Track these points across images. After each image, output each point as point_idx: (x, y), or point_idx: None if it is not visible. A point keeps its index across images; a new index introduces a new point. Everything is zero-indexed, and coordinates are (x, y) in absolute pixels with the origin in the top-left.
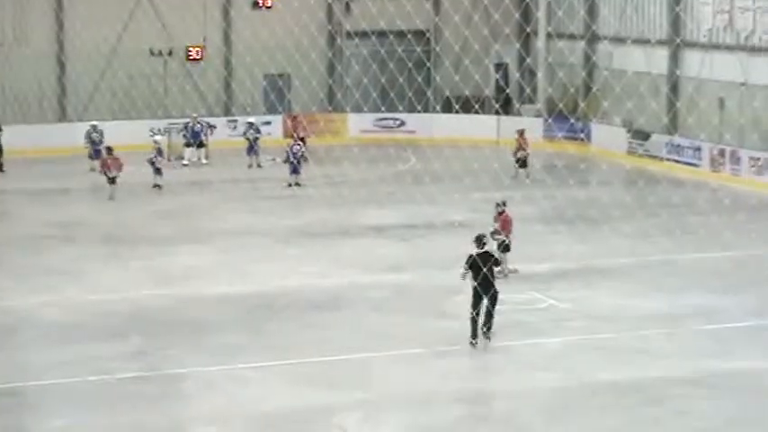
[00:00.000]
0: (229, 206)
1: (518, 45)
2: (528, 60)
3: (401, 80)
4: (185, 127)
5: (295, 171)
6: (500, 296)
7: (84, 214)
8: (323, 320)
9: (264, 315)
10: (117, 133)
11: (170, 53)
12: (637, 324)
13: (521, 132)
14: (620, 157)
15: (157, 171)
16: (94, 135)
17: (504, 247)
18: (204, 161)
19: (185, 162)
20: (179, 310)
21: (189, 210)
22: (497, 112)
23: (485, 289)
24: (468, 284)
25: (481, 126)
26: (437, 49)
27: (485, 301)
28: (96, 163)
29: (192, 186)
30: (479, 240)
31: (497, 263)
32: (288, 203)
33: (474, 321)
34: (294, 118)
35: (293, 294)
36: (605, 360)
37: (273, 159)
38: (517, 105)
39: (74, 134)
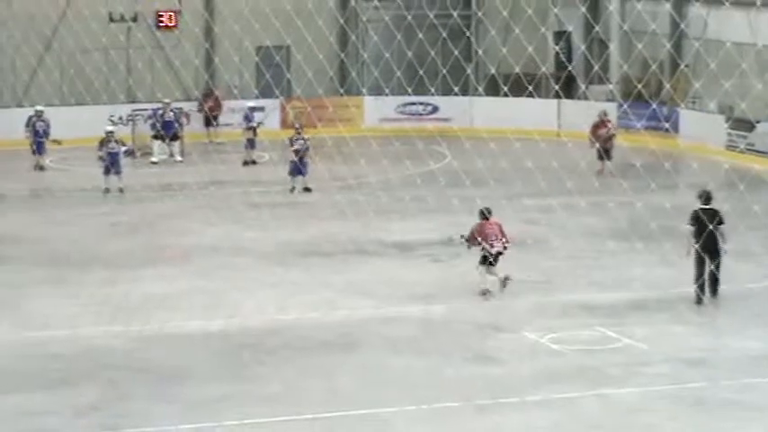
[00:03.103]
0: (209, 216)
1: (584, 8)
2: (597, 28)
3: (433, 54)
4: (154, 114)
5: (299, 172)
6: (558, 334)
7: (22, 227)
8: (330, 365)
9: (253, 358)
10: (66, 122)
11: (135, 19)
12: (737, 370)
13: (604, 114)
14: (717, 153)
15: (115, 171)
16: (40, 124)
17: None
18: (179, 158)
19: (154, 159)
20: (143, 351)
21: (156, 221)
22: (557, 95)
23: (709, 249)
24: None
25: (536, 113)
26: (480, 13)
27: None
28: (40, 158)
29: (161, 191)
30: (705, 196)
31: (722, 221)
32: (286, 213)
33: (699, 298)
34: (208, 97)
35: (291, 331)
36: (696, 417)
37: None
38: (583, 86)
39: (10, 123)
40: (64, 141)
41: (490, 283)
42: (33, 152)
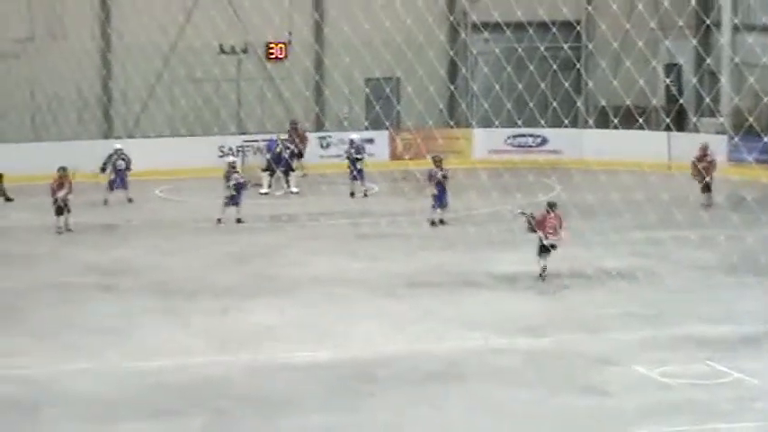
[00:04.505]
0: (317, 247)
1: (695, 41)
2: (708, 60)
3: (543, 86)
4: (269, 148)
5: (441, 204)
6: (667, 368)
7: (132, 257)
8: (438, 395)
9: (362, 388)
10: (177, 153)
11: (245, 51)
12: None
13: (704, 148)
14: None
15: (234, 202)
16: (119, 163)
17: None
18: (294, 190)
19: (263, 191)
20: (250, 381)
21: (265, 252)
22: (668, 128)
23: None
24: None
25: (647, 145)
26: (590, 46)
27: None
28: (116, 194)
29: (271, 222)
30: None
31: None
32: (394, 245)
33: None
34: (294, 130)
35: (399, 362)
36: None
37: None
38: (694, 119)
39: None
40: (173, 172)
41: (542, 269)
42: (110, 188)
